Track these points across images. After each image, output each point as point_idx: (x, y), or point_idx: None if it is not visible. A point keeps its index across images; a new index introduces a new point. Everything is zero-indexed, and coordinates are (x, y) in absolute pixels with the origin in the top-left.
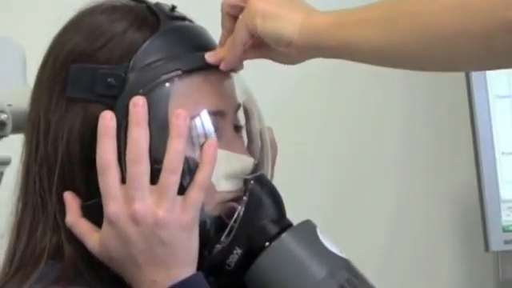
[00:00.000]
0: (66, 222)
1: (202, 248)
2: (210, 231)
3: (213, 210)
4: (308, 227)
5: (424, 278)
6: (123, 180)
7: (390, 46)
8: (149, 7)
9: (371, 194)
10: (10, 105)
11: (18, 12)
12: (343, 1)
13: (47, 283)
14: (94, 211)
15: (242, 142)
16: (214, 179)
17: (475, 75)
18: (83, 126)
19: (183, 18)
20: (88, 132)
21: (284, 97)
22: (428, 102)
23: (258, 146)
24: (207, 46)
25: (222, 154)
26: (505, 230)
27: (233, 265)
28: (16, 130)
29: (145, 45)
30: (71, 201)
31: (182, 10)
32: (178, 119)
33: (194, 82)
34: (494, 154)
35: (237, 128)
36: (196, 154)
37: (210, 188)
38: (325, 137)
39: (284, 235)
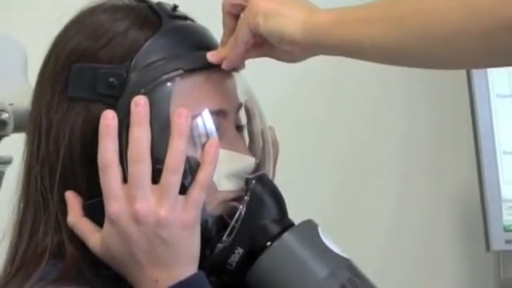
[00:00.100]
0: (67, 222)
1: (204, 247)
2: (212, 231)
3: (214, 210)
4: (309, 227)
5: (425, 278)
6: (125, 179)
7: (392, 44)
8: (150, 6)
9: (372, 193)
10: (11, 104)
11: (19, 11)
12: None
13: (48, 282)
14: (96, 210)
15: (244, 141)
16: (215, 179)
17: (476, 75)
18: (85, 125)
19: (185, 18)
20: (90, 131)
21: (284, 96)
22: (429, 101)
23: (259, 146)
24: (209, 45)
25: (223, 153)
26: (506, 229)
27: (234, 264)
28: (17, 129)
29: (146, 44)
30: (73, 200)
31: (183, 9)
32: (179, 118)
33: (196, 81)
34: (495, 154)
35: (238, 127)
36: (198, 154)
37: (212, 187)
38: (325, 136)
39: (285, 235)
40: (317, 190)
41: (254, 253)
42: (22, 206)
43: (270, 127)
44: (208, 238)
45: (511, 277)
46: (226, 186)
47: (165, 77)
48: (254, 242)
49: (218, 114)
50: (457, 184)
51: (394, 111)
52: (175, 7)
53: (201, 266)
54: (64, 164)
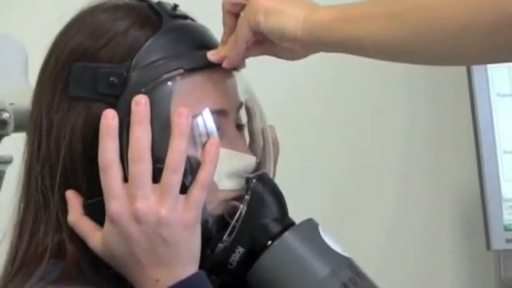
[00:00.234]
0: (68, 221)
1: (205, 247)
2: (212, 230)
3: (215, 209)
4: (310, 226)
5: (425, 277)
6: (125, 179)
7: (393, 40)
8: (151, 6)
9: (372, 193)
10: (11, 103)
11: (20, 11)
12: None
13: (49, 282)
14: (96, 210)
15: (244, 140)
16: (216, 178)
17: (477, 73)
18: (85, 124)
19: (185, 17)
20: (90, 131)
21: (285, 95)
22: (430, 101)
23: (260, 145)
24: (209, 44)
25: (224, 152)
26: (506, 228)
27: (235, 263)
28: (18, 128)
29: (147, 43)
30: (73, 199)
31: (183, 8)
32: (179, 118)
33: (196, 80)
34: (495, 153)
35: (239, 127)
36: (198, 153)
37: (212, 187)
38: (325, 135)
39: (286, 234)
40: (317, 189)
41: (254, 252)
42: (22, 205)
43: (271, 126)
44: (209, 238)
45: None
46: (227, 185)
47: (165, 76)
48: (255, 242)
49: (219, 114)
50: (457, 183)
51: (395, 110)
52: (175, 6)
53: (201, 266)
54: (65, 164)
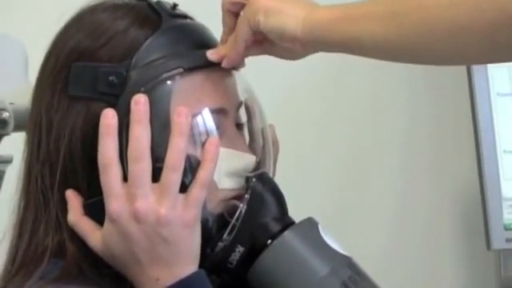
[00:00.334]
0: (68, 221)
1: (204, 246)
2: (212, 229)
3: (215, 208)
4: (310, 225)
5: (425, 277)
6: (125, 178)
7: (394, 40)
8: (150, 5)
9: (372, 192)
10: (11, 103)
11: (20, 10)
12: None
13: (49, 281)
14: (96, 209)
15: (244, 139)
16: (215, 177)
17: (477, 73)
18: (85, 124)
19: (185, 16)
20: (90, 130)
21: (285, 94)
22: (430, 100)
23: (259, 144)
24: (209, 43)
25: (223, 151)
26: (506, 228)
27: (235, 263)
28: (18, 128)
29: (146, 43)
30: (73, 199)
31: (183, 7)
32: (179, 117)
33: (196, 79)
34: (495, 153)
35: (238, 126)
36: (198, 152)
37: (212, 186)
38: (325, 134)
39: (286, 233)
40: (317, 189)
41: (254, 251)
42: (22, 205)
43: (270, 125)
44: (208, 237)
45: None
46: (227, 184)
47: (165, 75)
48: (255, 241)
49: (219, 113)
50: (457, 183)
51: (395, 109)
52: (175, 6)
53: (201, 265)
54: (64, 163)
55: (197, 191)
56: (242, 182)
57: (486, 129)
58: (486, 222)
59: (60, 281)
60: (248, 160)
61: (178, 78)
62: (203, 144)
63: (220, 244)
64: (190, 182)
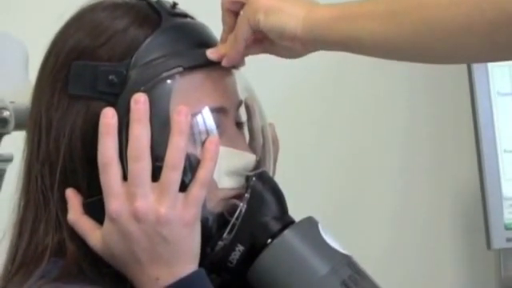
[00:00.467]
0: (67, 220)
1: (204, 245)
2: (212, 228)
3: (215, 207)
4: (310, 224)
5: (425, 276)
6: (125, 177)
7: (394, 39)
8: (150, 4)
9: (372, 191)
10: (12, 102)
11: (21, 9)
12: None
13: (49, 280)
14: (96, 208)
15: (244, 138)
16: (215, 176)
17: (478, 72)
18: (85, 123)
19: (184, 15)
20: (90, 129)
21: (285, 93)
22: (430, 99)
23: (259, 143)
24: (209, 42)
25: (223, 150)
26: (507, 227)
27: (235, 262)
28: (18, 127)
29: (146, 42)
30: (73, 198)
31: (183, 6)
32: (179, 116)
33: (196, 78)
34: (496, 152)
35: (238, 125)
36: (198, 151)
37: (212, 185)
38: (325, 134)
39: (286, 232)
40: (317, 188)
41: (254, 250)
42: (22, 204)
43: (270, 124)
44: (208, 236)
45: None
46: (227, 183)
47: (165, 74)
48: (255, 240)
49: (218, 112)
50: (457, 182)
51: (395, 109)
52: (175, 5)
53: (201, 264)
54: (64, 162)
55: (197, 190)
56: (242, 181)
57: (486, 128)
58: (487, 221)
59: (60, 280)
60: (248, 159)
61: (177, 77)
62: (203, 143)
63: (220, 243)
64: (190, 181)
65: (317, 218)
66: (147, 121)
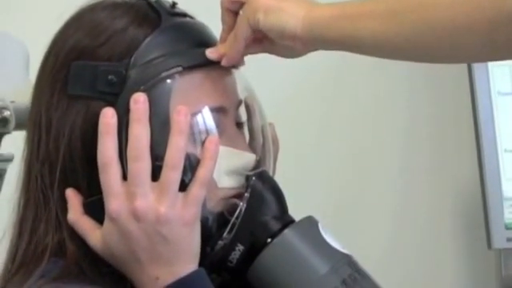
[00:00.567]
0: (67, 219)
1: (204, 244)
2: (212, 228)
3: (215, 207)
4: (310, 223)
5: (426, 276)
6: (125, 177)
7: (394, 38)
8: (150, 4)
9: (373, 191)
10: (12, 101)
11: (21, 9)
12: None
13: (49, 280)
14: (96, 208)
15: (244, 138)
16: (215, 175)
17: (478, 72)
18: (85, 123)
19: (184, 15)
20: (90, 129)
21: (285, 93)
22: (430, 99)
23: (259, 143)
24: (208, 42)
25: (223, 150)
26: (507, 227)
27: (235, 261)
28: (19, 126)
29: (146, 41)
30: (73, 198)
31: (182, 6)
32: (178, 115)
33: (195, 78)
34: (496, 152)
35: (238, 124)
36: (197, 151)
37: (212, 184)
38: (325, 133)
39: (286, 231)
40: (317, 187)
41: (254, 249)
42: (22, 204)
43: (270, 124)
44: (208, 235)
45: None
46: (227, 182)
47: (164, 74)
48: (255, 239)
49: (218, 111)
50: (458, 182)
51: (395, 108)
52: (174, 4)
53: (201, 264)
54: (64, 162)
55: (196, 189)
56: (242, 180)
57: (486, 128)
58: (487, 221)
59: (60, 280)
60: (248, 158)
61: (177, 76)
62: (203, 142)
63: (220, 242)
64: (190, 180)
65: (317, 217)
66: (147, 120)
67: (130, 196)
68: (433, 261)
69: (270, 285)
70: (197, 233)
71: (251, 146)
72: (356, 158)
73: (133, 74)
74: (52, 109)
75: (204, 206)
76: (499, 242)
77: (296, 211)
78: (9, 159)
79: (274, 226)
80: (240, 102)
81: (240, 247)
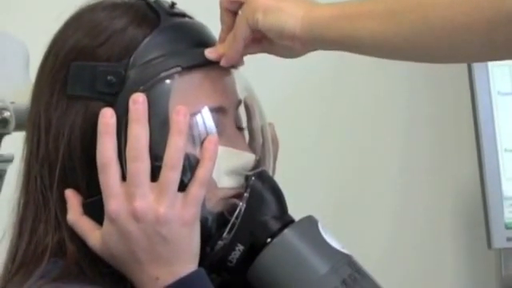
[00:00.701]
0: (67, 220)
1: (204, 244)
2: (212, 228)
3: (214, 207)
4: (310, 223)
5: (426, 275)
6: (124, 177)
7: (393, 38)
8: (149, 4)
9: (372, 191)
10: (12, 102)
11: (20, 9)
12: None
13: (49, 280)
14: (95, 209)
15: (244, 138)
16: (215, 175)
17: (478, 72)
18: (84, 123)
19: (183, 15)
20: (89, 129)
21: (284, 93)
22: (431, 99)
23: (259, 143)
24: (207, 42)
25: (223, 150)
26: (507, 226)
27: (235, 261)
28: (19, 127)
29: (145, 41)
30: (72, 198)
31: (181, 6)
32: (177, 115)
33: (194, 78)
34: (496, 151)
35: (239, 129)
36: (197, 151)
37: (212, 184)
38: (325, 133)
39: (286, 231)
40: (316, 187)
41: (254, 249)
42: (22, 204)
43: (270, 124)
44: (208, 235)
45: None
46: (226, 182)
47: (163, 74)
48: (255, 239)
49: (218, 111)
50: (458, 182)
51: (396, 108)
52: (173, 4)
53: (201, 264)
54: (63, 162)
55: (196, 190)
56: (242, 180)
57: (486, 127)
58: (487, 220)
59: (60, 280)
60: (247, 158)
61: (176, 76)
62: (202, 142)
63: (220, 242)
64: (189, 180)
65: (317, 217)
66: (146, 121)
67: (130, 196)
68: (433, 261)
69: (270, 285)
70: (196, 233)
71: (251, 146)
72: (356, 158)
73: (132, 74)
74: (51, 109)
75: (203, 206)
76: (499, 241)
77: (296, 211)
78: (9, 160)
79: (274, 225)
80: (239, 102)
81: (240, 247)
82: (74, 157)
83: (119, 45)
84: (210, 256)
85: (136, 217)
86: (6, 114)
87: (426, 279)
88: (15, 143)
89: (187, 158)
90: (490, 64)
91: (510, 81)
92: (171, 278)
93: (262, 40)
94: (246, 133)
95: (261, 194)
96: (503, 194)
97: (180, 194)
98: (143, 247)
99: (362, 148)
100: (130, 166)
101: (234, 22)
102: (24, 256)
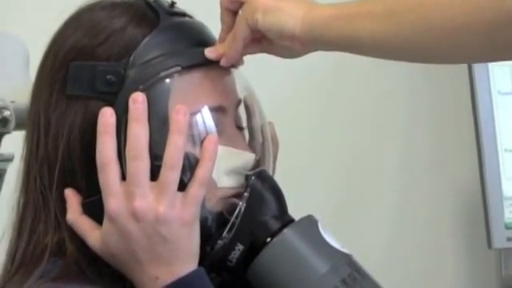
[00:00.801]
0: (66, 220)
1: (204, 244)
2: (212, 227)
3: (214, 206)
4: (310, 222)
5: (426, 275)
6: (123, 177)
7: (393, 39)
8: (148, 3)
9: (372, 191)
10: (13, 101)
11: (20, 9)
12: None
13: (49, 280)
14: (95, 208)
15: (243, 137)
16: (215, 175)
17: (478, 72)
18: (84, 123)
19: (183, 14)
20: (88, 129)
21: (284, 92)
22: (431, 99)
23: (259, 142)
24: (207, 41)
25: (222, 149)
26: (507, 226)
27: (234, 261)
28: (19, 126)
29: (144, 41)
30: (72, 198)
31: (181, 5)
32: (177, 115)
33: (194, 77)
34: (496, 151)
35: (239, 128)
36: (196, 150)
37: (211, 184)
38: (325, 133)
39: (286, 231)
40: (316, 187)
41: (254, 249)
42: (21, 204)
43: (270, 123)
44: (208, 235)
45: None
46: (226, 182)
47: (163, 73)
48: (255, 239)
49: (217, 111)
50: (458, 181)
51: (396, 108)
52: (173, 4)
53: (201, 263)
54: (63, 162)
55: (195, 189)
56: (242, 180)
57: (486, 127)
58: (487, 220)
59: (59, 280)
60: (247, 158)
61: (176, 76)
62: (202, 142)
63: (219, 242)
64: (189, 180)
65: (316, 217)
66: (145, 120)
67: (129, 196)
68: (433, 261)
69: (270, 284)
70: (196, 232)
71: (251, 146)
72: (356, 158)
73: (131, 73)
74: (51, 109)
75: (203, 205)
76: (499, 241)
77: (296, 211)
78: (9, 159)
79: (274, 225)
80: (239, 102)
81: (240, 247)
82: (74, 156)
83: (119, 44)
84: (210, 256)
85: (136, 216)
86: (6, 113)
87: (426, 279)
88: (15, 142)
89: (187, 157)
90: (491, 64)
91: (510, 80)
92: (171, 278)
93: (261, 40)
94: (246, 132)
95: (261, 194)
96: (503, 194)
97: (180, 194)
98: (143, 247)
99: (361, 148)
100: (129, 165)
101: (234, 21)
102: (23, 256)
